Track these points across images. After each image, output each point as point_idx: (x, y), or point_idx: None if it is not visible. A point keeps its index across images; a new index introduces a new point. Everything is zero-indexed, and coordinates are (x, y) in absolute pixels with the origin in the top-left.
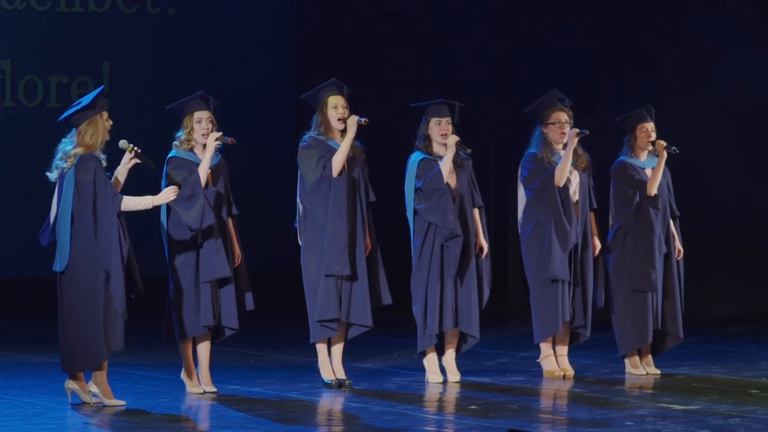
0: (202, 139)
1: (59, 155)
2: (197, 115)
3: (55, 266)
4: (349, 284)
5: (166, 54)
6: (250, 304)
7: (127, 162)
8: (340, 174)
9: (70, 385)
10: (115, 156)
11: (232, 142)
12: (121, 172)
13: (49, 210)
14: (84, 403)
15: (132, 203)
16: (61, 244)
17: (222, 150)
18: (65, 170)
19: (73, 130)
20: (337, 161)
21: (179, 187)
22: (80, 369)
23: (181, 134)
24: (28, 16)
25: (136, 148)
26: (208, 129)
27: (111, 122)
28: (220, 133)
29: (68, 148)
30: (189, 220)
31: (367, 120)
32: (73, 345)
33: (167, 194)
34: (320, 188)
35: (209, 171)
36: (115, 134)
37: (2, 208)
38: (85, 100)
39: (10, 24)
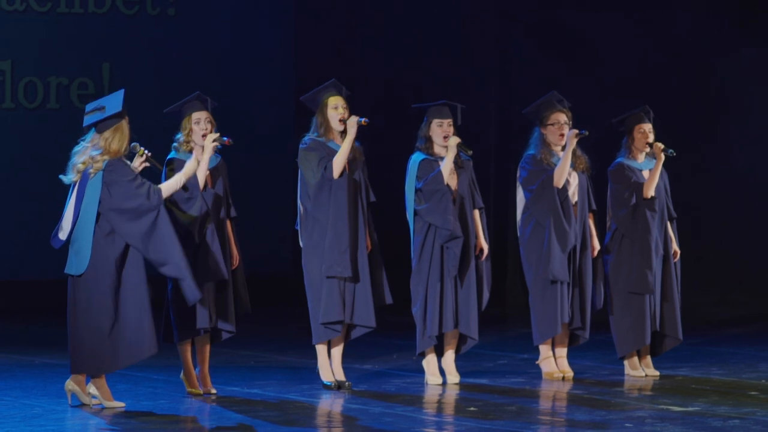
0: (201, 140)
1: (82, 159)
2: (195, 116)
3: (69, 269)
4: (352, 285)
5: (166, 55)
6: (247, 306)
7: (138, 165)
8: (341, 175)
9: (70, 386)
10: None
11: (229, 143)
12: None
13: (61, 213)
14: (84, 404)
15: (168, 189)
16: (80, 247)
17: (221, 151)
18: (91, 175)
19: (91, 133)
20: (338, 163)
21: (185, 187)
22: (104, 371)
23: (180, 136)
24: (27, 17)
25: (147, 152)
26: (206, 129)
27: (128, 127)
28: (218, 135)
29: (94, 153)
30: (187, 222)
31: (367, 120)
32: (94, 349)
33: (191, 165)
34: (322, 190)
35: (208, 172)
36: None
37: (2, 209)
38: (111, 106)
39: (9, 25)
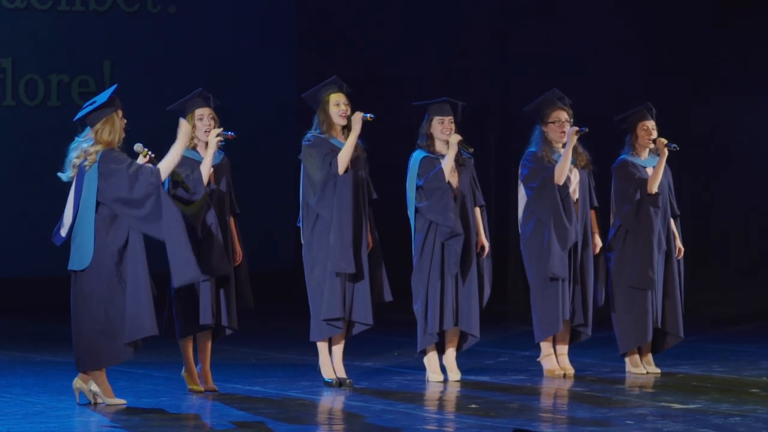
0: (204, 137)
1: (76, 153)
2: (198, 112)
3: (72, 265)
4: (352, 282)
5: (166, 53)
6: (250, 302)
7: None
8: (345, 172)
9: (78, 384)
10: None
11: (232, 137)
12: None
13: (62, 210)
14: (89, 402)
15: (167, 166)
16: (82, 241)
17: (224, 147)
18: (86, 168)
19: (87, 129)
20: (343, 158)
21: (183, 183)
22: (104, 365)
23: None
24: (28, 14)
25: (150, 153)
26: (209, 126)
27: (125, 121)
28: (221, 129)
29: (86, 145)
30: (190, 218)
31: (372, 116)
32: (93, 343)
33: (185, 134)
34: (326, 186)
35: (212, 170)
36: None
37: (2, 207)
38: (100, 98)
39: (10, 23)
